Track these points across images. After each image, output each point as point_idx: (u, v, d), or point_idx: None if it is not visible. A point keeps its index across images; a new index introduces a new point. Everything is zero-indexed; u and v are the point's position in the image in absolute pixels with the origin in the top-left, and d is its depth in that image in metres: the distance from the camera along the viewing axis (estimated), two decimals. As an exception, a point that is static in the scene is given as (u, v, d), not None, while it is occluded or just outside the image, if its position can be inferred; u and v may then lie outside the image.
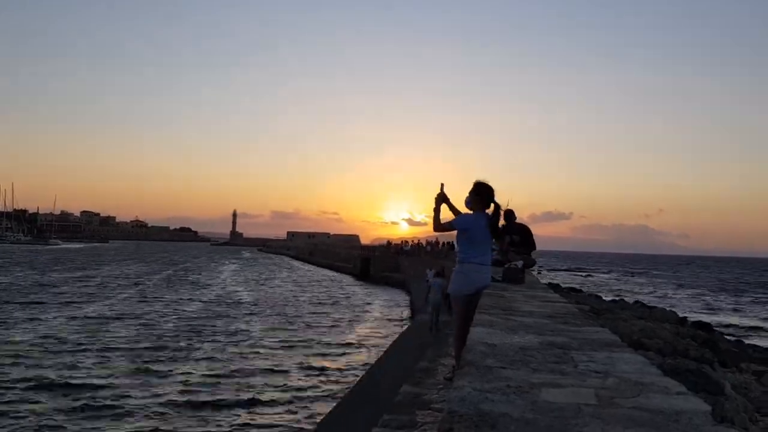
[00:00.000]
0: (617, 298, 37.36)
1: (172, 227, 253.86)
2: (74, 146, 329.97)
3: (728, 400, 7.45)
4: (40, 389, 12.58)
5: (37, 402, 11.74)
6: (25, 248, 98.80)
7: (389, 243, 60.65)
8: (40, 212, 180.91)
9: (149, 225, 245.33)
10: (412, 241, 55.93)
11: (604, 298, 36.10)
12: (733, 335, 24.58)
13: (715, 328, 23.70)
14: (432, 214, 6.04)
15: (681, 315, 26.64)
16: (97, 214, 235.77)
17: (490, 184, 6.03)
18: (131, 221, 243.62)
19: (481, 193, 5.94)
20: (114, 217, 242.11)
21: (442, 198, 6.01)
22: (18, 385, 12.76)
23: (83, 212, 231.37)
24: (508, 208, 8.70)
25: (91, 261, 66.95)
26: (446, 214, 6.07)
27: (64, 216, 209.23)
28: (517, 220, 8.86)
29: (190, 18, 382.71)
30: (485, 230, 5.83)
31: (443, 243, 44.48)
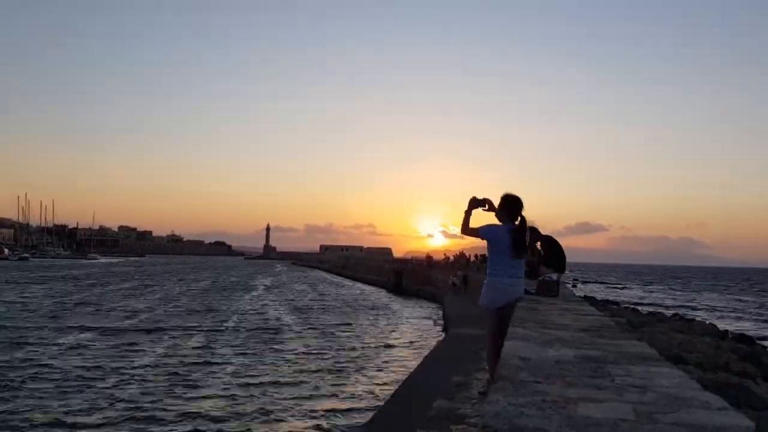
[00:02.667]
0: (655, 311, 36.66)
1: (206, 241, 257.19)
2: (112, 163, 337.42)
3: (773, 416, 7.23)
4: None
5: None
6: (73, 263, 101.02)
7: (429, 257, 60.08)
8: (80, 227, 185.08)
9: (184, 239, 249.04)
10: (445, 255, 55.85)
11: (641, 311, 35.46)
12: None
13: (757, 342, 23.06)
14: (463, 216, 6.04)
15: (721, 328, 26.01)
16: (134, 229, 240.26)
17: (518, 196, 6.01)
18: (167, 236, 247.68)
19: (506, 205, 5.93)
20: (150, 232, 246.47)
21: (475, 203, 5.99)
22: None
23: (121, 227, 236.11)
24: (531, 225, 8.66)
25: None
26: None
27: (103, 231, 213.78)
28: (544, 233, 8.79)
29: (224, 34, 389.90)
30: (509, 243, 5.78)
31: (475, 255, 44.31)
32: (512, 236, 5.81)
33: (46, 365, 16.01)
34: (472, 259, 45.35)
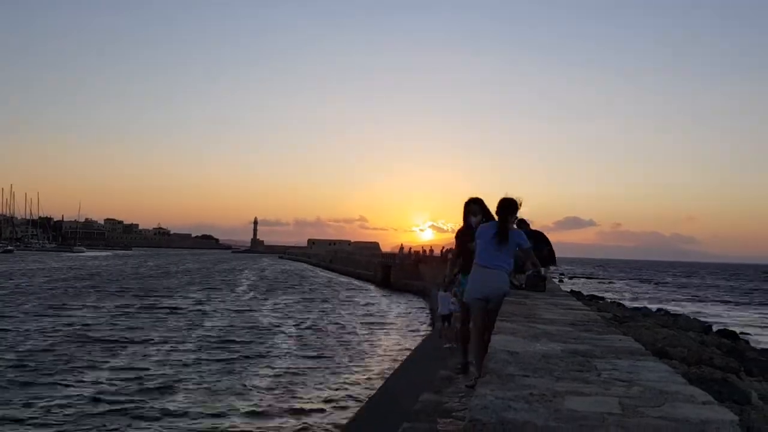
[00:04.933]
0: (640, 306, 36.92)
1: (194, 234, 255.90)
2: (98, 154, 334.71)
3: (755, 410, 7.32)
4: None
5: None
6: (64, 256, 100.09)
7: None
8: (65, 220, 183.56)
9: (171, 232, 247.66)
10: (430, 249, 55.24)
11: (626, 305, 35.70)
12: (760, 344, 24.15)
13: (741, 337, 23.31)
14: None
15: (706, 323, 26.26)
16: (121, 222, 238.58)
17: (509, 197, 6.56)
18: (154, 229, 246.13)
19: (499, 207, 6.49)
20: (137, 225, 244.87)
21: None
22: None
23: (107, 220, 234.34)
24: (521, 218, 8.77)
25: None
26: None
27: (89, 224, 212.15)
28: (533, 227, 8.84)
29: (213, 27, 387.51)
30: (492, 237, 6.22)
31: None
32: (496, 228, 6.33)
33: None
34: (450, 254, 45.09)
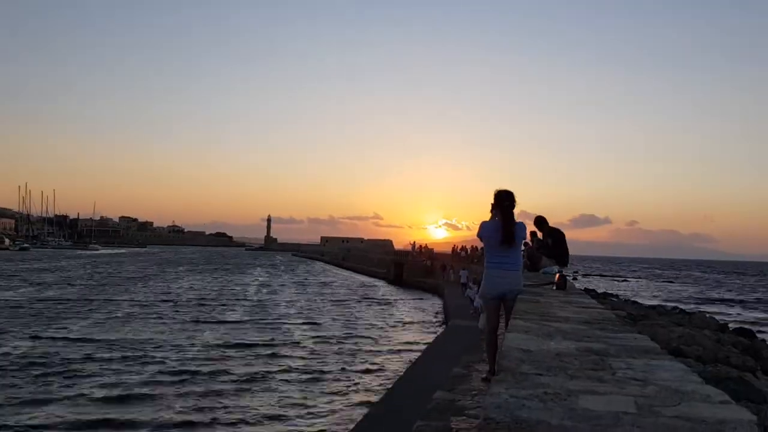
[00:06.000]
0: (655, 304, 36.67)
1: (207, 232, 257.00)
2: (113, 153, 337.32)
3: (772, 410, 7.24)
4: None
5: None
6: (90, 254, 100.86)
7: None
8: (81, 218, 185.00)
9: (185, 230, 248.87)
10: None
11: (641, 303, 35.46)
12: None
13: (758, 335, 23.06)
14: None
15: (722, 321, 26.02)
16: (135, 220, 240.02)
17: (507, 190, 6.01)
18: (168, 227, 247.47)
19: (495, 199, 5.95)
20: (151, 223, 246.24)
21: None
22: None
23: (122, 218, 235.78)
24: (539, 215, 8.67)
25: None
26: None
27: (104, 221, 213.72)
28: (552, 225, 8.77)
29: (227, 27, 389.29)
30: (497, 234, 5.84)
31: (473, 248, 44.12)
32: (500, 227, 5.88)
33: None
34: (463, 252, 45.54)
